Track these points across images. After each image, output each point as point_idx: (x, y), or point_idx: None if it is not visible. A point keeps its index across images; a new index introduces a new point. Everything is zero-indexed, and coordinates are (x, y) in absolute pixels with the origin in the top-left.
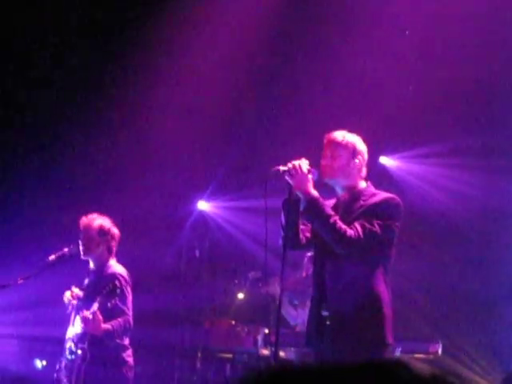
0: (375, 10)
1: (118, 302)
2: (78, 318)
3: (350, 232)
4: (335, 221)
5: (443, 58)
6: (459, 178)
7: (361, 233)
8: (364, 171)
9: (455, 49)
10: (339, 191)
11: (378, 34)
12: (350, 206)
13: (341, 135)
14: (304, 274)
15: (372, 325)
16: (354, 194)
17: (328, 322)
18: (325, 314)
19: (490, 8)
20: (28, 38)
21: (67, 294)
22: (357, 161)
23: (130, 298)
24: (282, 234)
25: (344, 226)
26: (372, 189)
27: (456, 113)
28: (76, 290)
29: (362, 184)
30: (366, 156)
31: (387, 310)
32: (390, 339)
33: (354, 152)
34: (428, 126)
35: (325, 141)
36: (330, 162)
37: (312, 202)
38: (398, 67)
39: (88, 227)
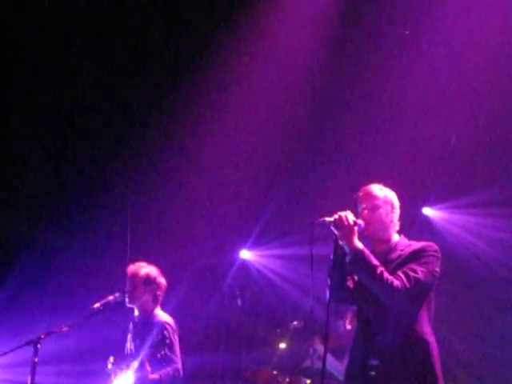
0: (411, 60)
1: (166, 350)
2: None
3: (396, 282)
4: (382, 272)
5: (484, 106)
6: (503, 227)
7: (406, 282)
8: (398, 225)
9: (497, 96)
10: (376, 244)
11: (418, 86)
12: (388, 257)
13: (379, 188)
14: (348, 327)
15: (424, 370)
16: (390, 246)
17: (375, 372)
18: (373, 362)
19: None
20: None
21: (111, 359)
22: (393, 214)
23: (177, 345)
24: (329, 283)
25: (390, 277)
26: (405, 240)
27: (498, 162)
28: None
29: (396, 237)
30: (399, 211)
31: (436, 353)
32: (441, 382)
33: (391, 205)
34: (470, 175)
35: (361, 193)
36: (371, 213)
37: (358, 254)
38: (440, 118)
39: (135, 275)
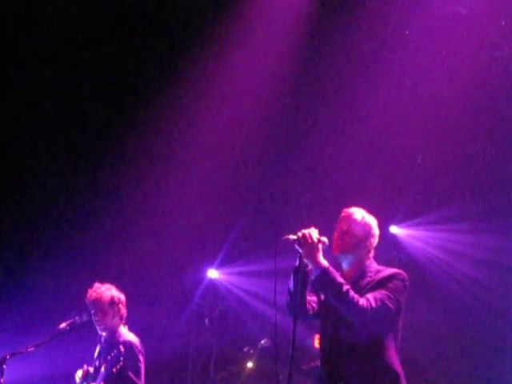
0: (383, 75)
1: (128, 371)
2: None
3: (362, 301)
4: (348, 290)
5: (449, 125)
6: (469, 241)
7: (372, 302)
8: (372, 253)
9: (462, 116)
10: (345, 266)
11: (385, 105)
12: (358, 282)
13: (360, 214)
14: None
15: None
16: (360, 271)
17: None
18: None
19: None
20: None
21: (79, 374)
22: (368, 243)
23: (142, 366)
24: (289, 300)
25: (356, 295)
26: (375, 265)
27: (462, 179)
28: (91, 369)
29: (367, 261)
30: (377, 240)
31: (404, 383)
32: None
33: (369, 233)
34: (434, 193)
35: (342, 214)
36: (344, 235)
37: (323, 272)
38: (405, 138)
39: (99, 301)
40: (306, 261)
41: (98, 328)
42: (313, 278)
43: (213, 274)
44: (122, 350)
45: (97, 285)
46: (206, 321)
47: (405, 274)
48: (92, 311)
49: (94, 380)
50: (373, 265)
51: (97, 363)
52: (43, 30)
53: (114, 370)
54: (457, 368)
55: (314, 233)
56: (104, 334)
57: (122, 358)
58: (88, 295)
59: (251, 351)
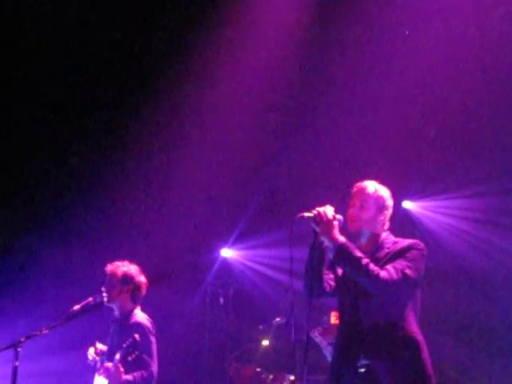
0: (395, 55)
1: (142, 353)
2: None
3: (383, 273)
4: (367, 263)
5: (459, 96)
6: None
7: (393, 274)
8: (387, 225)
9: (472, 86)
10: (362, 240)
11: (399, 81)
12: (375, 254)
13: (372, 187)
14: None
15: (415, 368)
16: (377, 243)
17: (365, 370)
18: (363, 362)
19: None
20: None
21: (91, 351)
22: (383, 215)
23: (154, 347)
24: (306, 278)
25: (377, 268)
26: (392, 237)
27: (475, 152)
28: (100, 346)
29: (383, 234)
30: (391, 210)
31: (426, 352)
32: (433, 380)
33: (382, 206)
34: (445, 164)
35: (354, 189)
36: (358, 211)
37: (341, 248)
38: (415, 112)
39: (112, 274)
40: (322, 238)
41: (104, 300)
42: (331, 254)
43: (227, 253)
44: (138, 339)
45: (120, 261)
46: (221, 300)
47: (422, 244)
48: (105, 283)
49: (109, 358)
50: (389, 236)
51: (109, 341)
52: None
53: (129, 358)
54: (469, 347)
55: (329, 210)
56: (116, 313)
57: (142, 344)
58: (106, 267)
59: (266, 329)
